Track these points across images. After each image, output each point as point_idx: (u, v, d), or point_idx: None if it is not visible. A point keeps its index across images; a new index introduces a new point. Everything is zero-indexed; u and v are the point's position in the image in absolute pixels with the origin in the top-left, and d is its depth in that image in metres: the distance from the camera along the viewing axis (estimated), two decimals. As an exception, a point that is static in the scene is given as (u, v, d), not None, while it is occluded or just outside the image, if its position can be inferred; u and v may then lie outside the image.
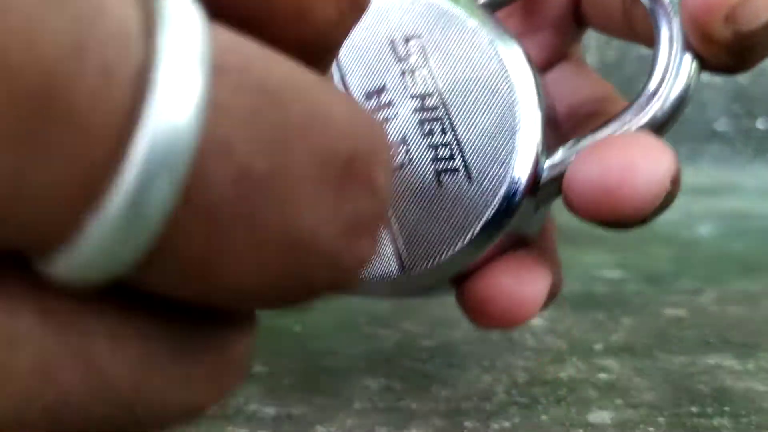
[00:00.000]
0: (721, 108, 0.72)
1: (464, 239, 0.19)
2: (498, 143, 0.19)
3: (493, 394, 0.24)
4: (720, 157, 0.72)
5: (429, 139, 0.19)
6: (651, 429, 0.22)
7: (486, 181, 0.19)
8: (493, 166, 0.19)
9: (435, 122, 0.20)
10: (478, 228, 0.19)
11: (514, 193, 0.19)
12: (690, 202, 0.58)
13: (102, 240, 0.08)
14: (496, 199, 0.19)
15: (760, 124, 0.72)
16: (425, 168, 0.19)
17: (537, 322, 0.31)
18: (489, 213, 0.19)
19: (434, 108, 0.20)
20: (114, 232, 0.08)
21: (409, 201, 0.19)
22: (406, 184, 0.19)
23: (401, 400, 0.24)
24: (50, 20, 0.07)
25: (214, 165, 0.08)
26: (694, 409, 0.23)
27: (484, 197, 0.19)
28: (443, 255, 0.19)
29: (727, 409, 0.24)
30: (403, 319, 0.31)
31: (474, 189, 0.19)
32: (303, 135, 0.09)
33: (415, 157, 0.19)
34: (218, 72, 0.08)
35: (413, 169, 0.19)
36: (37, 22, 0.07)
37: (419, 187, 0.19)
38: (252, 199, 0.08)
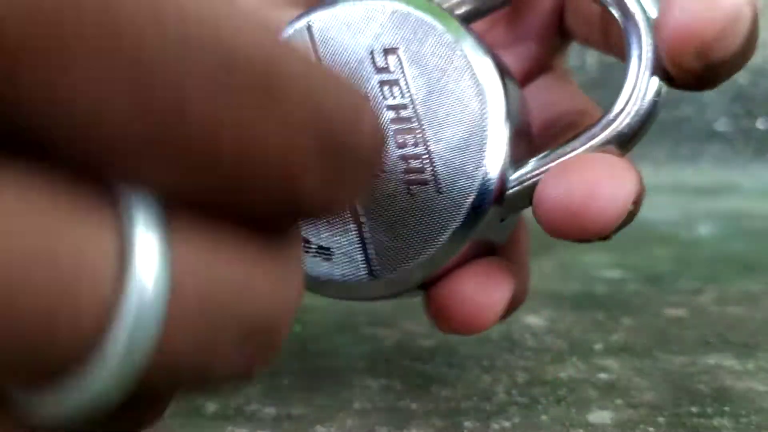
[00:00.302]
0: (721, 108, 0.72)
1: (431, 249, 0.20)
2: (466, 157, 0.20)
3: (493, 394, 0.24)
4: (720, 157, 0.72)
5: (402, 151, 0.20)
6: (651, 429, 0.22)
7: (454, 193, 0.20)
8: (460, 179, 0.20)
9: (408, 134, 0.20)
10: (444, 238, 0.20)
11: (480, 205, 0.19)
12: (690, 202, 0.58)
13: (97, 383, 0.10)
14: (463, 211, 0.19)
15: (760, 124, 0.72)
16: (397, 178, 0.20)
17: (537, 321, 0.31)
18: (455, 224, 0.20)
19: (408, 119, 0.20)
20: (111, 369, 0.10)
21: (381, 209, 0.20)
22: (379, 192, 0.20)
23: (401, 400, 0.24)
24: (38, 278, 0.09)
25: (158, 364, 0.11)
26: (694, 409, 0.23)
27: (451, 209, 0.20)
28: (410, 263, 0.20)
29: (727, 409, 0.24)
30: (403, 319, 0.31)
31: (442, 201, 0.20)
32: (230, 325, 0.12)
33: (388, 167, 0.20)
34: (171, 307, 0.11)
35: (386, 179, 0.20)
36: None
37: (391, 197, 0.20)
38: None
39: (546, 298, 0.34)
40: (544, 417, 0.23)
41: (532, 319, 0.31)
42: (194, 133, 0.10)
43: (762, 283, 0.37)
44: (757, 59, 0.75)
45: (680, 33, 0.18)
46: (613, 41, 0.22)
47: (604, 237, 0.19)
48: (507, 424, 0.22)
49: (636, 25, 0.20)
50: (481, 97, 0.20)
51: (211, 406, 0.23)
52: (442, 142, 0.20)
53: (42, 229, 0.09)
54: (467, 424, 0.22)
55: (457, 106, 0.20)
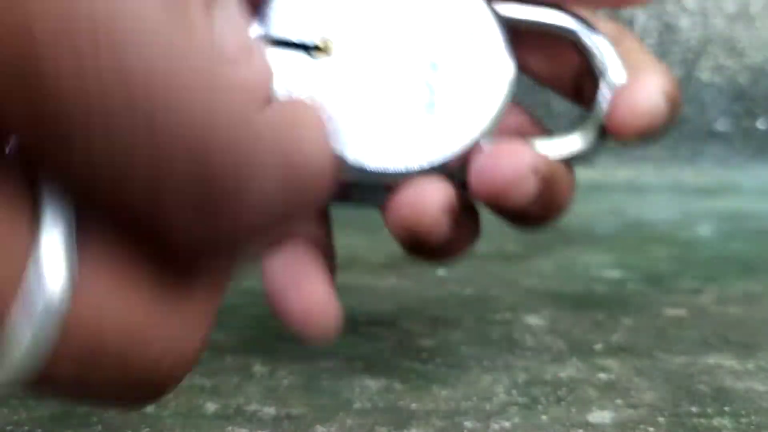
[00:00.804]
0: (721, 108, 0.72)
1: (404, 167, 0.21)
2: (469, 96, 0.22)
3: (493, 394, 0.24)
4: (720, 157, 0.72)
5: (410, 72, 0.21)
6: (651, 429, 0.22)
7: (448, 127, 0.21)
8: (459, 115, 0.21)
9: (422, 60, 0.21)
10: (422, 165, 0.21)
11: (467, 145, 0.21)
12: (690, 202, 0.58)
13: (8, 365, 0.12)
14: (452, 145, 0.21)
15: (760, 124, 0.72)
16: (402, 90, 0.21)
17: (537, 321, 0.31)
18: (437, 157, 0.21)
19: (424, 51, 0.22)
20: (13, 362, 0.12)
21: (374, 114, 0.21)
22: (378, 96, 0.22)
23: (401, 400, 0.24)
24: None
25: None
26: (694, 409, 0.23)
27: (441, 139, 0.21)
28: (378, 168, 0.21)
29: (727, 409, 0.24)
30: (403, 319, 0.31)
31: (434, 129, 0.21)
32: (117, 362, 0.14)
33: (395, 80, 0.21)
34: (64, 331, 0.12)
35: (391, 86, 0.21)
36: None
37: (385, 106, 0.21)
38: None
39: (546, 298, 0.34)
40: (544, 417, 0.23)
41: (532, 319, 0.31)
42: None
43: (762, 283, 0.37)
44: (757, 59, 0.75)
45: (621, 125, 0.23)
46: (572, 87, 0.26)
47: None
48: (507, 424, 0.22)
49: (600, 88, 0.23)
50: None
51: (211, 406, 0.23)
52: (451, 77, 0.22)
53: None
54: (467, 424, 0.22)
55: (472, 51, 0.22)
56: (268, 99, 0.15)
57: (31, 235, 0.12)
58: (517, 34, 0.23)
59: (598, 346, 0.29)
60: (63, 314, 0.12)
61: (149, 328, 0.14)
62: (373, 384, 0.25)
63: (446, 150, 0.21)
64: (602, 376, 0.26)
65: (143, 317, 0.14)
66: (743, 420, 0.23)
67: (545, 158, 0.22)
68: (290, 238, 0.22)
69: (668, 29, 0.71)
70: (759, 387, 0.25)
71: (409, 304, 0.33)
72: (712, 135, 0.72)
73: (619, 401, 0.24)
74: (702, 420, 0.23)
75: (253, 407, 0.23)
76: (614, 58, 0.23)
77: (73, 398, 0.15)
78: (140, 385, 0.14)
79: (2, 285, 0.12)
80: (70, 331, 0.13)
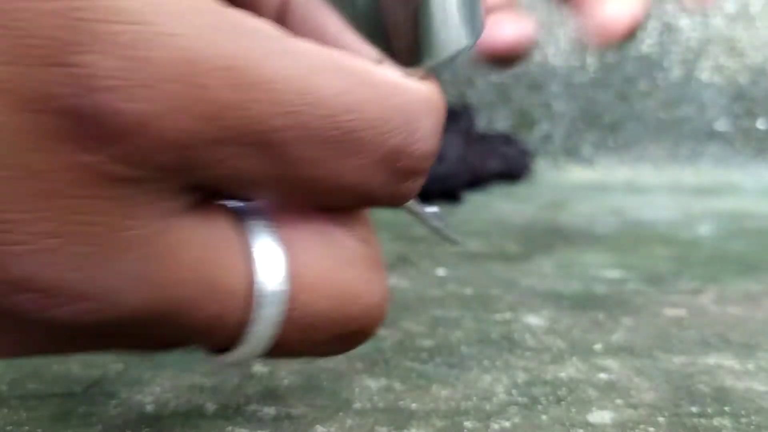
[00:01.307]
0: (721, 108, 0.72)
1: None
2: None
3: (493, 394, 0.24)
4: (720, 157, 0.72)
5: None
6: (651, 429, 0.22)
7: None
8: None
9: None
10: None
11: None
12: (690, 202, 0.58)
13: (249, 349, 0.16)
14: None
15: (760, 124, 0.72)
16: None
17: (537, 321, 0.31)
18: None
19: None
20: (253, 346, 0.16)
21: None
22: None
23: (401, 400, 0.24)
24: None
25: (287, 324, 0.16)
26: (694, 409, 0.23)
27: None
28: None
29: (727, 409, 0.24)
30: (403, 319, 0.31)
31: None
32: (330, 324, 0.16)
33: None
34: (286, 317, 0.16)
35: None
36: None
37: None
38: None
39: (546, 298, 0.34)
40: (544, 417, 0.23)
41: (532, 319, 0.31)
42: (303, 174, 0.15)
43: (762, 283, 0.37)
44: (757, 59, 0.76)
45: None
46: None
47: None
48: (507, 424, 0.22)
49: None
50: None
51: (211, 406, 0.23)
52: None
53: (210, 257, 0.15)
54: (467, 424, 0.22)
55: None
56: None
57: (247, 244, 0.15)
58: None
59: (598, 346, 0.29)
60: (285, 300, 0.15)
61: (350, 285, 0.16)
62: (373, 384, 0.25)
63: None
64: (602, 376, 0.26)
65: (348, 279, 0.16)
66: (743, 420, 0.23)
67: None
68: None
69: (668, 29, 0.71)
70: (759, 387, 0.25)
71: (409, 304, 0.33)
72: (712, 135, 0.72)
73: (619, 401, 0.24)
74: (702, 420, 0.23)
75: (253, 407, 0.23)
76: None
77: (308, 354, 0.18)
78: (352, 337, 0.17)
79: (240, 285, 0.15)
80: (290, 310, 0.15)
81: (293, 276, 0.15)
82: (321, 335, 0.16)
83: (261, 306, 0.15)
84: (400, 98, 0.15)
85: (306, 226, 0.16)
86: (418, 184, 0.17)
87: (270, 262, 0.15)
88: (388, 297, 0.18)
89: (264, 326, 0.15)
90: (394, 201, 0.16)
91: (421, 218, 0.26)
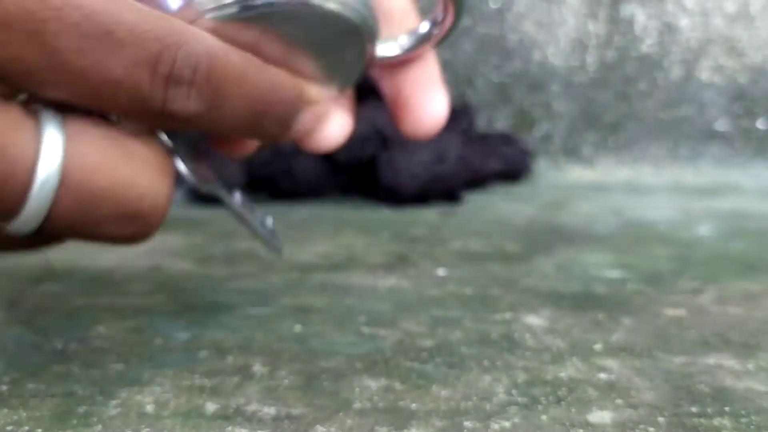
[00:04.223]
0: (721, 108, 0.72)
1: None
2: None
3: (493, 394, 0.24)
4: (720, 157, 0.72)
5: None
6: (651, 429, 0.22)
7: None
8: None
9: None
10: None
11: None
12: (690, 202, 0.58)
13: (26, 218, 0.19)
14: None
15: (760, 124, 0.72)
16: None
17: (537, 321, 0.31)
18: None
19: None
20: (32, 214, 0.19)
21: None
22: None
23: (401, 400, 0.24)
24: None
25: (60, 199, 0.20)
26: (694, 409, 0.23)
27: None
28: None
29: (727, 409, 0.24)
30: (403, 319, 0.31)
31: None
32: (104, 199, 0.20)
33: None
34: (61, 183, 0.19)
35: None
36: None
37: None
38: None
39: (546, 298, 0.34)
40: (544, 417, 0.23)
41: (532, 319, 0.31)
42: (71, 64, 0.18)
43: (762, 283, 0.37)
44: (757, 59, 0.75)
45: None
46: None
47: None
48: (507, 424, 0.22)
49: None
50: None
51: (211, 406, 0.23)
52: None
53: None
54: (467, 424, 0.22)
55: None
56: None
57: (35, 130, 0.19)
58: None
59: (598, 346, 0.29)
60: (61, 174, 0.19)
61: (126, 174, 0.20)
62: (373, 384, 0.25)
63: None
64: (602, 376, 0.26)
65: (127, 170, 0.20)
66: (743, 420, 0.23)
67: None
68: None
69: (668, 29, 0.71)
70: (759, 387, 0.25)
71: (409, 304, 0.33)
72: (712, 135, 0.72)
73: (619, 401, 0.24)
74: (702, 420, 0.23)
75: (253, 407, 0.23)
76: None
77: (81, 236, 0.21)
78: (129, 219, 0.20)
79: (24, 158, 0.19)
80: (67, 181, 0.19)
81: (71, 157, 0.19)
82: (98, 212, 0.20)
83: (39, 179, 0.19)
84: (157, 14, 0.19)
85: (93, 125, 0.20)
86: (193, 100, 0.20)
87: (52, 145, 0.19)
88: (169, 198, 0.21)
89: (41, 195, 0.19)
90: (168, 111, 0.19)
91: (242, 218, 0.28)
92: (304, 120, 0.24)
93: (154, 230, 0.21)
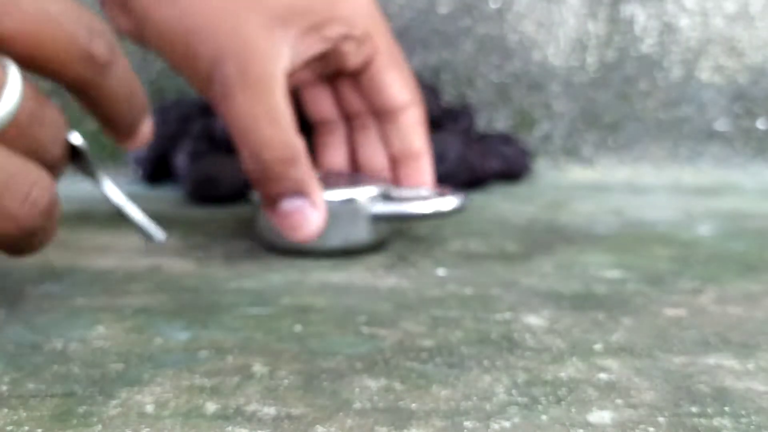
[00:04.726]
0: (721, 108, 0.72)
1: None
2: None
3: (493, 394, 0.24)
4: (720, 157, 0.72)
5: None
6: (651, 429, 0.22)
7: None
8: None
9: None
10: None
11: None
12: (690, 202, 0.58)
13: None
14: None
15: (760, 124, 0.72)
16: None
17: (537, 321, 0.31)
18: None
19: None
20: None
21: None
22: None
23: (401, 400, 0.24)
24: None
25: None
26: (694, 409, 0.23)
27: None
28: None
29: (727, 409, 0.24)
30: (403, 319, 0.31)
31: None
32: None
33: None
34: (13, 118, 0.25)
35: None
36: None
37: None
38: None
39: (546, 298, 0.34)
40: (544, 417, 0.23)
41: (532, 319, 0.31)
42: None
43: (762, 283, 0.37)
44: (757, 59, 0.75)
45: None
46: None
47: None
48: (507, 424, 0.22)
49: None
50: None
51: (211, 406, 0.23)
52: None
53: None
54: (467, 424, 0.22)
55: None
56: None
57: None
58: None
59: (598, 346, 0.29)
60: None
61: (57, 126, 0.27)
62: (373, 384, 0.25)
63: None
64: (602, 376, 0.26)
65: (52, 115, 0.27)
66: (743, 420, 0.23)
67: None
68: None
69: (668, 29, 0.71)
70: (759, 387, 0.25)
71: (409, 304, 0.33)
72: (712, 135, 0.72)
73: (619, 401, 0.24)
74: (702, 420, 0.23)
75: (253, 407, 0.23)
76: None
77: None
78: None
79: None
80: None
81: None
82: None
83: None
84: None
85: None
86: (114, 77, 0.28)
87: (14, 88, 0.24)
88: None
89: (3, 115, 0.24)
90: (95, 80, 0.28)
91: (120, 210, 0.32)
92: None
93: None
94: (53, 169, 0.27)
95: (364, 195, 0.40)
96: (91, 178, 0.31)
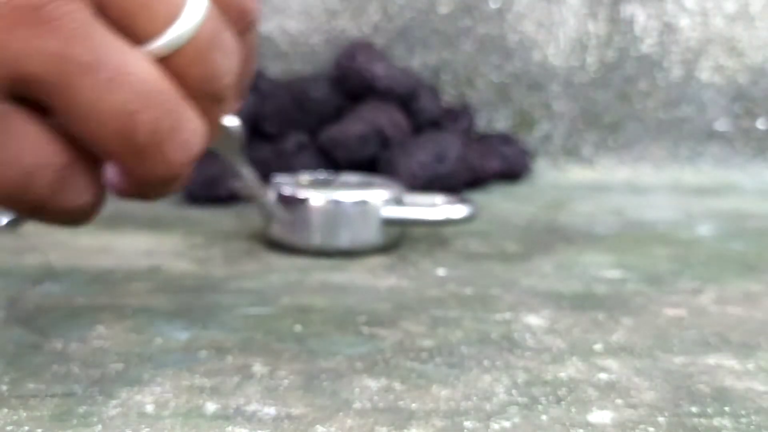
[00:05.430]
0: (721, 108, 0.72)
1: None
2: None
3: (493, 394, 0.24)
4: (720, 157, 0.72)
5: None
6: (651, 429, 0.22)
7: None
8: None
9: None
10: None
11: None
12: (690, 202, 0.58)
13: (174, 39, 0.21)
14: None
15: (760, 124, 0.72)
16: None
17: (537, 321, 0.31)
18: None
19: None
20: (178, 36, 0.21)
21: None
22: None
23: (401, 400, 0.24)
24: None
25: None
26: (694, 409, 0.23)
27: None
28: None
29: (727, 409, 0.24)
30: (403, 319, 0.31)
31: None
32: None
33: None
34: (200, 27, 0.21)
35: None
36: None
37: None
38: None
39: (546, 298, 0.34)
40: (544, 417, 0.23)
41: (532, 319, 0.31)
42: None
43: (762, 283, 0.37)
44: (757, 59, 0.75)
45: None
46: None
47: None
48: (507, 424, 0.22)
49: None
50: None
51: (211, 406, 0.23)
52: None
53: None
54: (467, 424, 0.22)
55: None
56: None
57: None
58: None
59: (598, 346, 0.29)
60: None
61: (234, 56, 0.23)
62: (373, 384, 0.25)
63: None
64: (602, 376, 0.26)
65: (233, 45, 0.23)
66: (743, 420, 0.23)
67: None
68: None
69: (668, 29, 0.71)
70: (759, 387, 0.25)
71: (409, 304, 0.33)
72: (712, 135, 0.72)
73: (619, 401, 0.24)
74: (702, 420, 0.23)
75: (253, 407, 0.23)
76: None
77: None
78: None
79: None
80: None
81: None
82: None
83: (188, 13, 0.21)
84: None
85: None
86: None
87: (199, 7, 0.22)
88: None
89: (186, 24, 0.22)
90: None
91: (253, 191, 0.36)
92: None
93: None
94: (219, 103, 0.23)
95: (377, 198, 0.40)
96: (232, 160, 0.31)
